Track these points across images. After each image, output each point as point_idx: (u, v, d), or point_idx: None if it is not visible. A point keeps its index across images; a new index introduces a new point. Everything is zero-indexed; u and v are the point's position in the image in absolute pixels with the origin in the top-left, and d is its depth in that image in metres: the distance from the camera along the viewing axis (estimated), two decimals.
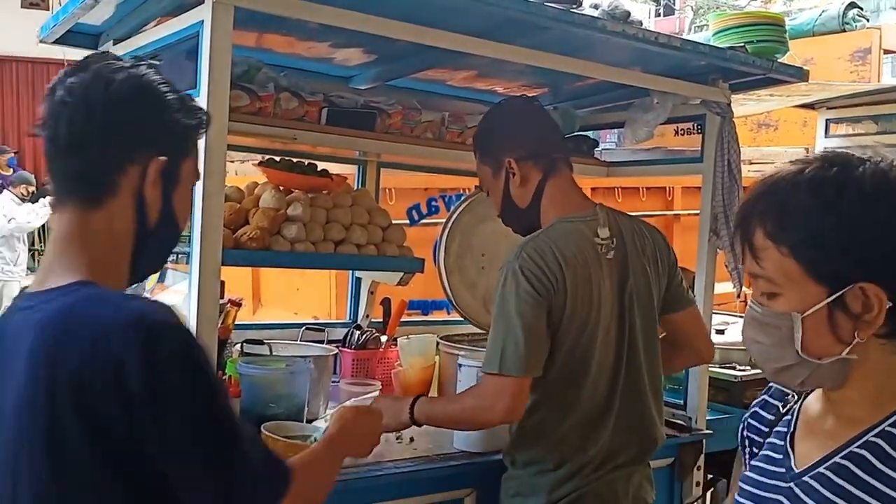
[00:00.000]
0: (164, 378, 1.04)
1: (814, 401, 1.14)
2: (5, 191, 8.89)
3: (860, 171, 1.01)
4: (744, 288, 2.59)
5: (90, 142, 1.15)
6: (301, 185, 2.56)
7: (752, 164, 4.97)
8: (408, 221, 3.77)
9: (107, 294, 1.10)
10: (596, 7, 2.24)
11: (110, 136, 1.16)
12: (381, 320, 3.11)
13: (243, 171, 4.49)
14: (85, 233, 1.15)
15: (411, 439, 2.28)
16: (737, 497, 1.15)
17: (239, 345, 2.49)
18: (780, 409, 1.19)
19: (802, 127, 5.59)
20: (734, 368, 3.12)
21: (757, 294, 1.08)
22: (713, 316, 2.77)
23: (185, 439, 1.08)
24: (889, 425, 1.01)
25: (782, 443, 1.13)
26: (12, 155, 11.90)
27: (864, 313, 1.00)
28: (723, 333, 3.26)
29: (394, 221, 2.69)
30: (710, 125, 2.69)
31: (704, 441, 2.74)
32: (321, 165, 2.71)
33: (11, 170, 10.77)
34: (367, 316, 3.14)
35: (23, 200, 8.82)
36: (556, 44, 2.26)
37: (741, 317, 1.33)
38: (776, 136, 6.17)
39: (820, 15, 6.29)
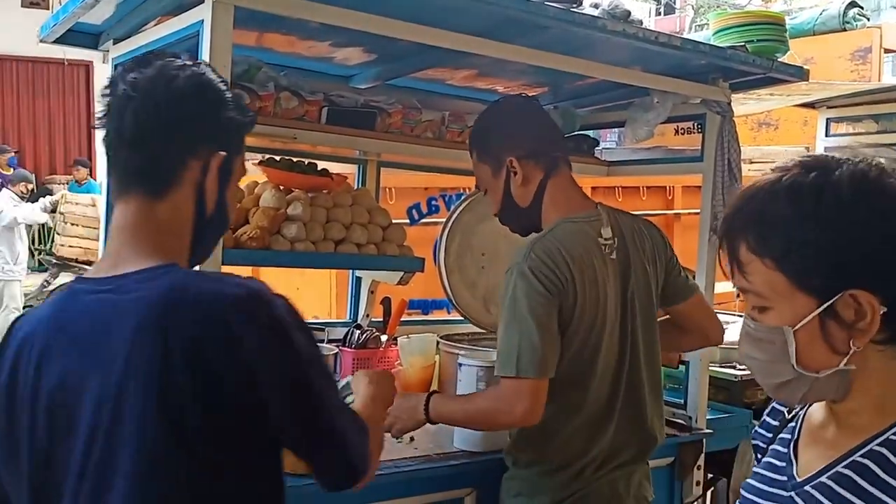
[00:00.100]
0: (278, 345, 1.14)
1: (818, 408, 1.11)
2: (4, 189, 8.91)
3: (837, 174, 0.98)
4: None
5: (155, 136, 1.20)
6: (301, 185, 2.56)
7: (752, 163, 4.97)
8: (408, 221, 3.75)
9: (204, 274, 1.20)
10: (596, 6, 2.24)
11: (174, 132, 1.21)
12: (381, 320, 3.11)
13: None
14: (151, 222, 1.21)
15: (411, 438, 2.28)
16: None
17: None
18: (786, 415, 1.17)
19: (803, 126, 5.59)
20: (734, 368, 3.13)
21: (748, 309, 1.05)
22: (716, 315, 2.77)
23: (306, 402, 1.18)
24: (893, 434, 0.98)
25: (786, 450, 1.11)
26: (13, 154, 11.92)
27: (857, 321, 0.96)
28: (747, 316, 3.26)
29: (394, 221, 2.68)
30: (711, 124, 2.69)
31: (704, 440, 2.74)
32: (321, 165, 2.71)
33: (11, 169, 10.79)
34: (368, 315, 3.14)
35: (22, 198, 8.84)
36: (557, 43, 2.26)
37: (741, 316, 1.32)
38: (776, 135, 6.17)
39: (820, 14, 6.29)
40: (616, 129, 3.75)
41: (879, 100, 4.06)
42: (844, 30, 6.15)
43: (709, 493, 3.42)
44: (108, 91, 1.23)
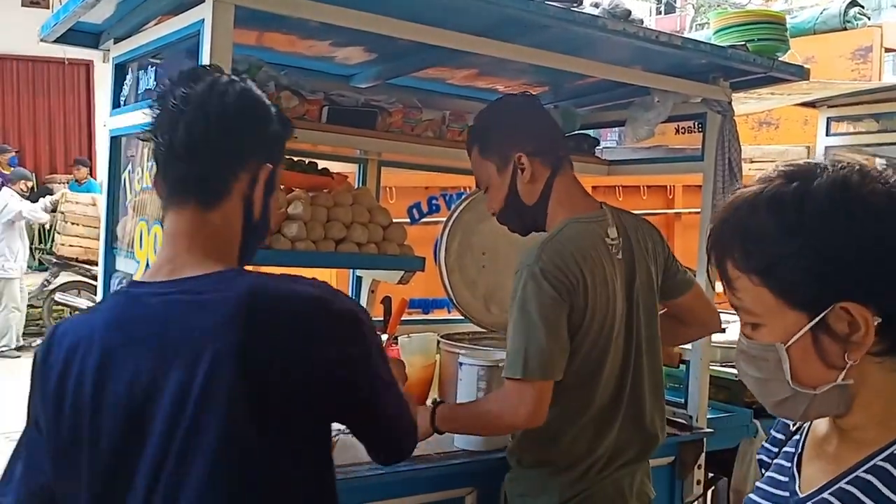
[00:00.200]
0: (352, 337, 1.25)
1: (822, 422, 1.08)
2: (5, 188, 8.92)
3: (816, 183, 0.95)
4: None
5: (207, 150, 1.26)
6: (302, 184, 2.56)
7: (752, 162, 4.97)
8: (408, 220, 3.75)
9: (275, 275, 1.27)
10: (597, 5, 2.24)
11: (226, 146, 1.27)
12: (381, 319, 3.10)
13: None
14: (205, 230, 1.27)
15: None
16: None
17: None
18: (791, 427, 1.14)
19: (803, 125, 5.58)
20: (735, 367, 3.12)
21: (742, 325, 1.02)
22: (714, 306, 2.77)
23: (375, 388, 1.29)
24: None
25: (789, 464, 1.08)
26: (13, 154, 11.92)
27: (851, 334, 0.93)
28: (723, 332, 3.26)
29: (394, 220, 2.68)
30: (711, 124, 2.69)
31: (705, 440, 2.74)
32: (322, 164, 2.71)
33: (12, 169, 10.80)
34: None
35: (22, 197, 8.85)
36: (557, 42, 2.26)
37: None
38: (777, 134, 6.16)
39: (821, 13, 6.29)
40: (616, 129, 3.75)
41: (880, 99, 4.05)
42: (845, 29, 6.15)
43: (709, 493, 3.42)
44: (157, 104, 1.29)
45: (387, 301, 3.11)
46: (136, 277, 1.31)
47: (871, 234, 0.92)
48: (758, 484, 1.12)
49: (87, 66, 13.50)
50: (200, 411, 1.15)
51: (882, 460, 0.94)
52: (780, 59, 2.66)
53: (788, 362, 0.97)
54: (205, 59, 1.76)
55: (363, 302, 3.18)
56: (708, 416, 2.78)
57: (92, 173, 12.00)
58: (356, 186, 3.00)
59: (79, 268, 9.16)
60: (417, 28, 2.05)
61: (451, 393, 2.44)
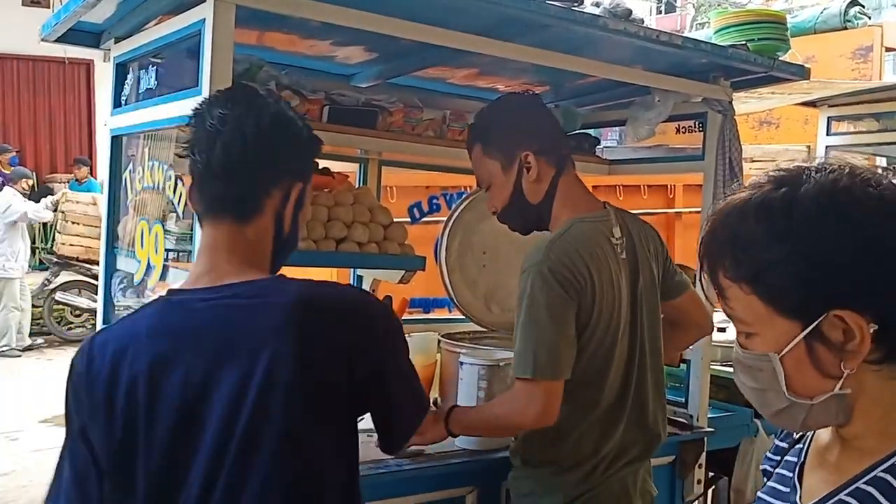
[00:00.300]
0: (391, 336, 1.38)
1: (825, 430, 1.05)
2: (6, 187, 8.92)
3: (804, 187, 0.92)
4: None
5: (243, 169, 1.33)
6: None
7: (753, 161, 4.97)
8: (409, 219, 3.75)
9: (317, 282, 1.37)
10: (597, 5, 2.24)
11: (261, 165, 1.35)
12: None
13: None
14: (242, 242, 1.35)
15: None
16: None
17: None
18: (794, 435, 1.11)
19: (804, 125, 5.58)
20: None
21: (738, 335, 1.00)
22: (714, 314, 2.77)
23: (402, 382, 1.41)
24: None
25: (791, 474, 1.06)
26: (14, 154, 11.92)
27: (846, 342, 0.90)
28: (724, 331, 3.26)
29: (395, 219, 2.68)
30: (712, 123, 2.69)
31: (706, 439, 2.74)
32: (322, 163, 2.70)
33: (12, 168, 10.80)
34: None
35: (24, 195, 8.85)
36: (558, 42, 2.26)
37: None
38: (777, 133, 6.16)
39: (821, 12, 6.29)
40: (617, 128, 3.76)
41: (880, 98, 4.04)
42: (845, 28, 6.14)
43: (710, 492, 3.42)
44: (194, 122, 1.36)
45: (387, 300, 3.11)
46: (173, 287, 1.39)
47: (862, 239, 0.90)
48: (759, 494, 1.10)
49: (88, 65, 13.50)
50: (259, 409, 1.22)
51: (883, 471, 0.91)
52: (780, 58, 2.66)
53: (783, 372, 0.94)
54: (206, 59, 1.76)
55: None
56: (708, 416, 2.78)
57: (92, 172, 12.00)
58: (357, 186, 3.00)
59: (79, 267, 9.16)
60: (418, 28, 2.05)
61: (452, 392, 2.44)
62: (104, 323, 2.50)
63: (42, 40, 2.57)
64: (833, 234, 0.90)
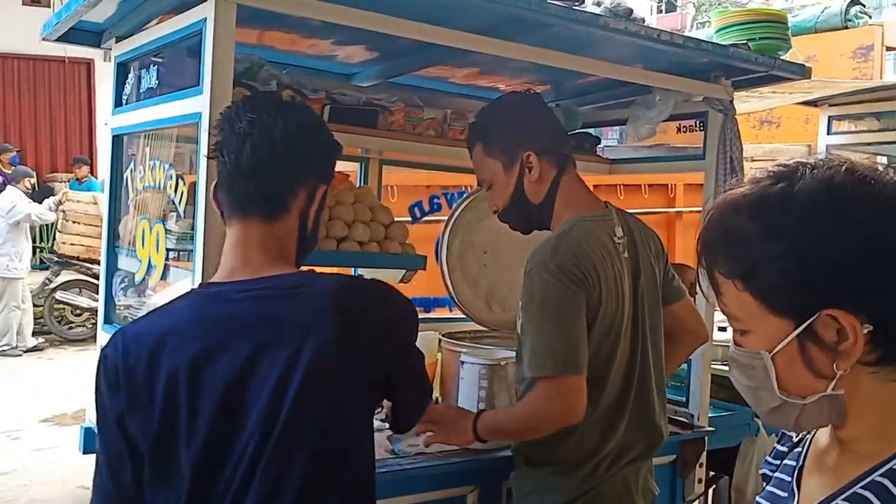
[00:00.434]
0: (412, 325, 1.48)
1: (824, 433, 1.03)
2: (10, 186, 8.92)
3: (801, 183, 0.90)
4: None
5: (273, 171, 1.40)
6: None
7: (754, 161, 4.97)
8: (410, 219, 3.76)
9: (349, 275, 1.45)
10: (598, 4, 2.23)
11: (288, 167, 1.41)
12: None
13: None
14: (273, 238, 1.42)
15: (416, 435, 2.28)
16: None
17: None
18: (793, 439, 1.09)
19: (805, 124, 5.59)
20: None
21: (733, 333, 0.99)
22: (714, 313, 2.78)
23: (417, 367, 1.52)
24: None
25: (789, 479, 1.04)
26: (15, 153, 11.92)
27: (839, 343, 0.88)
28: (724, 331, 3.26)
29: (396, 219, 2.68)
30: (713, 122, 2.69)
31: (706, 438, 2.74)
32: None
33: (13, 168, 10.80)
34: None
35: (27, 194, 8.85)
36: (559, 41, 2.26)
37: None
38: (778, 133, 6.16)
39: (822, 12, 6.29)
40: (618, 127, 3.76)
41: (881, 98, 4.05)
42: (846, 27, 6.15)
43: (710, 491, 3.42)
44: (223, 125, 1.42)
45: None
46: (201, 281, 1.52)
47: (859, 238, 0.88)
48: (758, 499, 1.08)
49: (88, 64, 13.50)
50: (305, 392, 1.29)
51: (881, 475, 0.89)
52: (781, 57, 2.66)
53: (774, 370, 0.93)
54: (207, 59, 1.76)
55: None
56: (709, 415, 2.78)
57: (92, 172, 12.00)
58: (358, 185, 3.00)
59: (80, 266, 9.16)
60: (419, 27, 2.05)
61: (453, 392, 2.44)
62: (106, 322, 2.50)
63: (43, 39, 2.57)
64: (829, 231, 0.88)
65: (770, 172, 0.94)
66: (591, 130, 3.34)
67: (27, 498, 4.78)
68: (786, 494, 1.02)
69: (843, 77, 5.29)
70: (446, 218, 3.07)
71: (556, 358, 1.82)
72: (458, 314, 3.14)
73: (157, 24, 2.19)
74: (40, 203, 9.12)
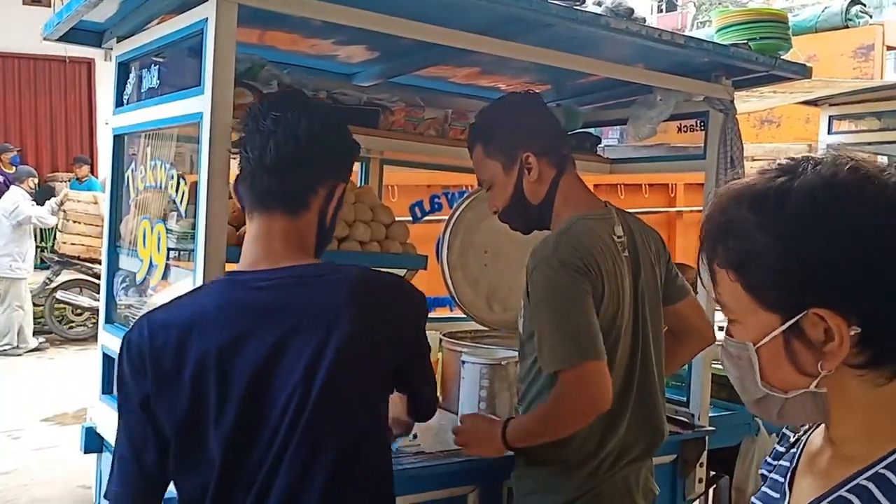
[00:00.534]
0: (424, 317, 1.56)
1: (818, 434, 1.02)
2: (14, 186, 8.92)
3: (801, 180, 0.89)
4: None
5: (295, 167, 1.44)
6: None
7: (754, 160, 4.97)
8: (411, 218, 3.76)
9: (366, 267, 1.54)
10: (599, 4, 2.23)
11: (310, 165, 1.46)
12: None
13: None
14: (295, 232, 1.46)
15: (414, 436, 2.28)
16: None
17: None
18: (790, 440, 1.09)
19: (805, 123, 5.59)
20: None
21: (727, 322, 1.00)
22: (715, 313, 2.78)
23: (427, 353, 1.59)
24: (884, 467, 0.87)
25: (782, 480, 1.03)
26: (15, 153, 11.93)
27: (826, 342, 0.87)
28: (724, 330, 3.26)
29: (397, 218, 2.69)
30: (713, 122, 2.69)
31: (707, 438, 2.74)
32: None
33: (14, 167, 10.80)
34: None
35: (30, 194, 8.86)
36: (560, 41, 2.26)
37: None
38: (779, 132, 6.17)
39: (823, 11, 6.29)
40: (619, 127, 3.76)
41: (882, 97, 4.05)
42: (847, 27, 6.15)
43: (711, 491, 3.42)
44: (248, 121, 1.47)
45: None
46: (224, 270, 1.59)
47: (854, 239, 0.86)
48: (753, 499, 1.08)
49: (89, 64, 13.50)
50: (333, 379, 1.34)
51: (866, 479, 0.88)
52: (782, 57, 2.66)
53: (758, 363, 0.94)
54: (208, 58, 1.76)
55: None
56: (710, 415, 2.78)
57: (93, 171, 12.00)
58: (358, 185, 3.01)
59: (80, 266, 9.16)
60: (420, 27, 2.05)
61: (454, 392, 2.45)
62: (107, 322, 2.50)
63: (44, 39, 2.57)
64: (824, 230, 0.87)
65: (778, 164, 0.94)
66: (592, 130, 3.34)
67: (28, 497, 4.79)
68: (778, 495, 1.02)
69: (844, 77, 5.29)
70: (447, 217, 3.07)
71: (576, 347, 1.81)
72: (458, 314, 3.15)
73: (158, 24, 2.19)
74: (42, 204, 9.13)
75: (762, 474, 1.12)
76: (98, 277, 7.66)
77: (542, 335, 1.87)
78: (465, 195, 3.13)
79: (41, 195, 9.76)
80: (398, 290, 1.52)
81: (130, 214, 2.46)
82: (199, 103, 1.82)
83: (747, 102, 3.60)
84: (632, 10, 2.25)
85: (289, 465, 1.33)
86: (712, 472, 3.08)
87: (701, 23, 17.57)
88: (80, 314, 9.32)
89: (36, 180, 9.30)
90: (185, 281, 1.95)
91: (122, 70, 2.42)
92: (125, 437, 1.39)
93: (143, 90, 2.31)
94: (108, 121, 2.63)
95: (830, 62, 5.76)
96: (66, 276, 9.24)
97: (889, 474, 0.86)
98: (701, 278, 1.02)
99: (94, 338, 3.20)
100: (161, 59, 2.26)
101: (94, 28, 2.47)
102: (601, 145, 3.28)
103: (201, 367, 1.34)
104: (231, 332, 1.35)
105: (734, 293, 0.94)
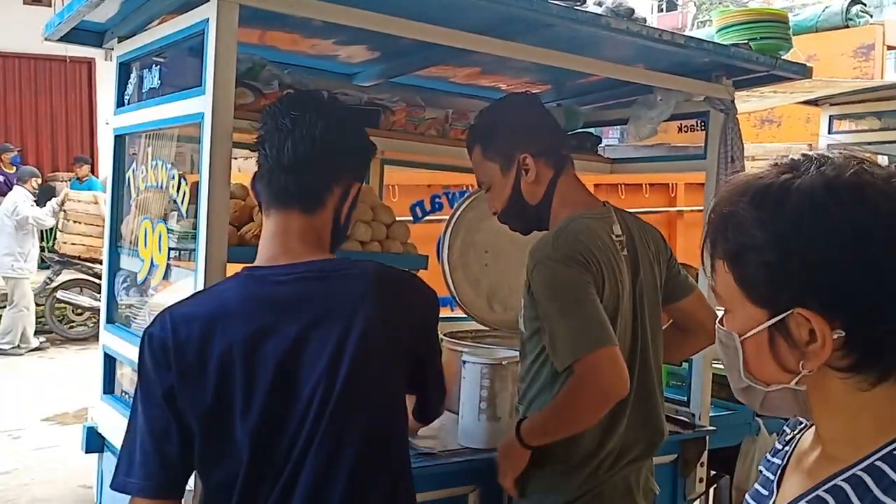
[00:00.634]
0: (437, 311, 1.61)
1: (810, 433, 1.03)
2: (16, 186, 8.92)
3: (802, 179, 0.89)
4: None
5: (311, 166, 1.47)
6: None
7: (754, 160, 4.97)
8: (411, 218, 3.76)
9: (384, 264, 1.56)
10: (600, 4, 2.24)
11: (326, 164, 1.49)
12: None
13: (247, 169, 4.49)
14: (311, 229, 1.49)
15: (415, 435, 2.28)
16: None
17: None
18: (786, 438, 1.09)
19: (805, 123, 5.59)
20: None
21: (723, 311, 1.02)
22: (716, 312, 2.78)
23: (439, 351, 1.65)
24: (861, 469, 0.87)
25: (773, 477, 1.04)
26: (16, 153, 11.93)
27: (809, 343, 0.88)
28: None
29: (397, 218, 2.69)
30: (714, 122, 2.69)
31: (707, 437, 2.74)
32: None
33: (14, 167, 10.80)
34: None
35: (33, 194, 8.86)
36: (560, 41, 2.26)
37: None
38: (779, 132, 6.17)
39: (823, 11, 6.29)
40: (619, 127, 3.76)
41: (882, 97, 4.05)
42: (847, 27, 6.15)
43: (711, 490, 3.43)
44: (266, 120, 1.50)
45: None
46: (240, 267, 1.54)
47: (846, 244, 0.86)
48: (746, 496, 1.08)
49: (89, 63, 13.50)
50: (357, 369, 1.37)
51: (843, 480, 0.89)
52: (782, 57, 2.66)
53: (742, 354, 0.95)
54: (209, 59, 1.77)
55: None
56: (710, 414, 2.78)
57: (93, 171, 12.00)
58: None
59: (81, 266, 9.17)
60: (420, 27, 2.05)
61: (454, 391, 2.45)
62: (108, 322, 2.50)
63: (45, 39, 2.57)
64: (817, 232, 0.86)
65: (791, 160, 0.94)
66: (593, 130, 3.34)
67: (28, 497, 4.79)
68: (767, 492, 1.03)
69: (844, 76, 5.30)
70: (448, 217, 3.08)
71: (587, 336, 1.81)
72: (459, 313, 3.15)
73: (159, 24, 2.19)
74: (43, 204, 9.13)
75: (760, 471, 1.12)
76: (98, 277, 7.68)
77: (552, 332, 1.86)
78: (466, 195, 3.13)
79: (42, 195, 9.76)
80: (414, 285, 1.55)
81: (131, 214, 2.46)
82: (200, 103, 1.82)
83: (748, 102, 3.60)
84: (632, 10, 2.25)
85: (314, 457, 1.35)
86: (713, 472, 3.09)
87: (701, 22, 17.58)
88: (80, 314, 9.33)
89: (39, 181, 9.31)
90: (187, 281, 1.95)
91: (123, 70, 2.43)
92: (147, 431, 1.39)
93: (144, 90, 2.31)
94: (108, 121, 2.63)
95: (831, 62, 5.76)
96: (67, 275, 9.25)
97: (865, 476, 0.87)
98: (704, 266, 1.04)
99: (95, 337, 3.20)
100: (162, 60, 2.26)
101: (95, 28, 2.47)
102: (601, 145, 3.28)
103: (226, 359, 1.36)
104: (254, 325, 1.37)
105: (726, 284, 0.95)
